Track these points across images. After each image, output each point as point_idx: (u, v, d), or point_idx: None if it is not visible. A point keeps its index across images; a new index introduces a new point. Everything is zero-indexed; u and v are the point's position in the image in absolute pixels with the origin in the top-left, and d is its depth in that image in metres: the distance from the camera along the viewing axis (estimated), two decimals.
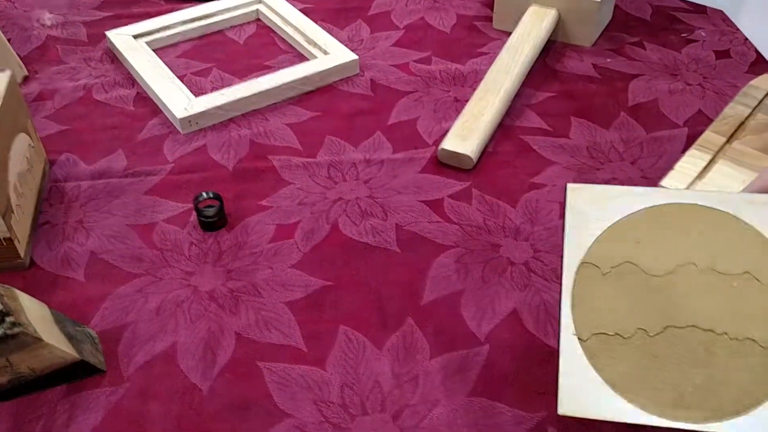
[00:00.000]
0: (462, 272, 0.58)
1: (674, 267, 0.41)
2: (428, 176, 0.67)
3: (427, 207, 0.64)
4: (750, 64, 0.82)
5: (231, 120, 0.74)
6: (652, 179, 0.65)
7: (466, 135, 0.69)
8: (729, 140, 0.64)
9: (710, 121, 0.68)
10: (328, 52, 0.81)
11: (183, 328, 0.53)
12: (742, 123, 0.66)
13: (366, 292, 0.56)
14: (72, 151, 0.70)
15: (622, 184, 0.65)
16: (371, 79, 0.80)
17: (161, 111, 0.75)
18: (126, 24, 0.87)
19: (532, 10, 0.83)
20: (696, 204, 0.43)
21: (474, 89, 0.75)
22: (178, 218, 0.63)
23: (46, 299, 0.54)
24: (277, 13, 0.89)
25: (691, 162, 0.62)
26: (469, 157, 0.67)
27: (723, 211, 0.42)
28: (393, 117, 0.75)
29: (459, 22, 0.91)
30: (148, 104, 0.77)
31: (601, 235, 0.43)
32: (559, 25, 0.85)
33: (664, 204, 0.43)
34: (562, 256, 0.42)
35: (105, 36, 0.86)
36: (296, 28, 0.86)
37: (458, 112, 0.73)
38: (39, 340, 0.46)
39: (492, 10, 0.88)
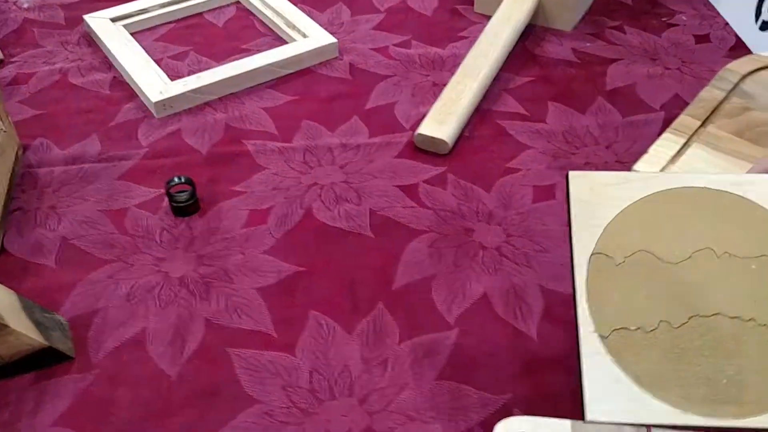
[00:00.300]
0: (434, 257, 0.58)
1: (691, 253, 0.40)
2: (404, 161, 0.67)
3: (402, 192, 0.64)
4: (729, 48, 0.82)
5: (207, 104, 0.74)
6: (626, 163, 0.65)
7: (442, 120, 0.69)
8: (704, 124, 0.64)
9: (687, 105, 0.67)
10: (307, 36, 0.80)
11: (153, 315, 0.53)
12: (717, 107, 0.66)
13: (338, 278, 0.56)
14: (46, 136, 0.69)
15: (597, 168, 0.65)
16: (350, 63, 0.79)
17: (137, 95, 0.75)
18: (104, 7, 0.86)
19: None
20: (703, 187, 0.41)
21: (453, 73, 0.74)
22: (150, 203, 0.62)
23: (16, 286, 0.54)
24: None
25: (665, 146, 0.62)
26: (445, 142, 0.67)
27: (731, 193, 0.41)
28: (371, 101, 0.74)
29: (440, 6, 0.90)
30: (124, 88, 0.76)
31: (609, 224, 0.41)
32: (539, 9, 0.84)
33: (670, 188, 0.42)
34: (570, 249, 0.40)
35: (82, 19, 0.85)
36: (276, 12, 0.85)
37: (436, 96, 0.72)
38: (5, 326, 0.45)
39: None
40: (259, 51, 0.79)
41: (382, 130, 0.70)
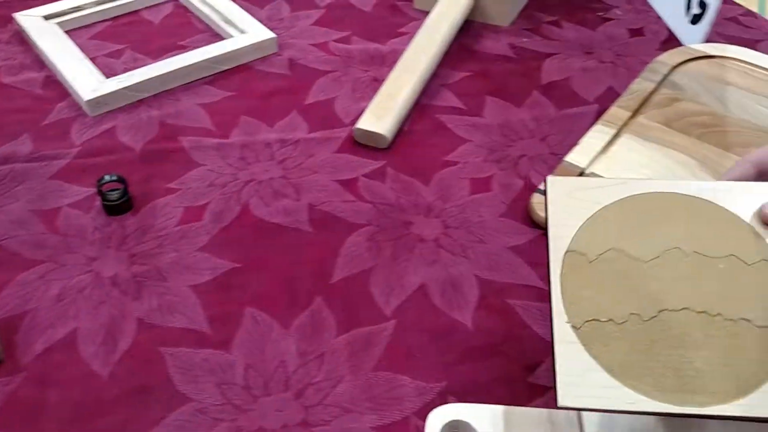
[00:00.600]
0: (373, 250, 0.58)
1: (661, 252, 0.41)
2: (344, 156, 0.67)
3: (341, 186, 0.64)
4: (662, 41, 0.84)
5: (142, 101, 0.72)
6: (560, 155, 0.66)
7: (381, 114, 0.69)
8: (634, 115, 0.66)
9: (620, 97, 0.69)
10: (245, 31, 0.80)
11: (84, 315, 0.52)
12: (647, 98, 0.68)
13: (275, 273, 0.55)
14: None
15: (532, 160, 0.66)
16: (289, 59, 0.79)
17: (70, 94, 0.73)
18: (37, 5, 0.84)
19: None
20: (675, 192, 0.43)
21: (393, 69, 0.75)
22: (82, 203, 0.61)
23: None
24: None
25: (596, 137, 0.64)
26: (383, 136, 0.67)
27: (702, 198, 0.42)
28: (310, 97, 0.74)
29: (380, 2, 0.90)
30: (57, 87, 0.74)
31: (583, 224, 0.42)
32: (476, 6, 0.85)
33: (644, 193, 0.43)
34: (546, 247, 0.41)
35: (13, 18, 0.82)
36: (213, 8, 0.84)
37: (377, 91, 0.73)
38: None
39: None
40: (195, 47, 0.78)
41: (321, 125, 0.70)
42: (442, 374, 0.49)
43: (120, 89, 0.71)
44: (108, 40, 0.82)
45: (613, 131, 0.64)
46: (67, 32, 0.81)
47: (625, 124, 0.65)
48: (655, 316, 0.39)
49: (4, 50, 0.80)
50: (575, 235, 0.42)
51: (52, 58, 0.75)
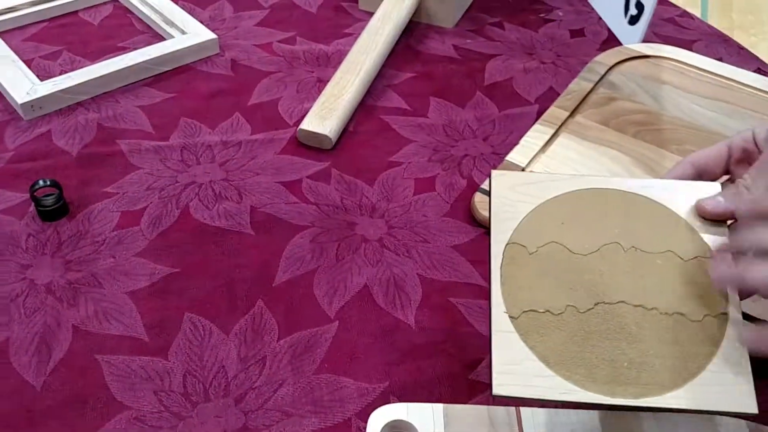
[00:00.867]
0: (317, 251, 0.57)
1: (599, 246, 0.42)
2: (287, 157, 0.66)
3: (285, 188, 0.63)
4: (602, 42, 0.86)
5: (79, 104, 0.71)
6: (501, 155, 0.66)
7: (325, 115, 0.69)
8: (572, 114, 0.67)
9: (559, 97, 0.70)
10: (186, 32, 0.79)
11: (17, 324, 0.50)
12: (585, 98, 0.69)
13: (215, 277, 0.55)
14: None
15: (475, 159, 0.67)
16: (232, 60, 0.78)
17: (4, 97, 0.71)
18: None
19: None
20: (616, 189, 0.44)
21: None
22: (15, 209, 0.59)
23: None
24: None
25: (535, 136, 0.65)
26: (327, 137, 0.67)
27: (642, 195, 0.43)
28: (254, 98, 0.73)
29: (325, 3, 0.90)
30: None
31: (525, 217, 0.43)
32: (421, 7, 0.85)
33: (586, 189, 0.44)
34: (489, 240, 0.42)
35: None
36: (153, 9, 0.83)
37: (321, 92, 0.72)
38: None
39: None
40: (135, 49, 0.76)
41: (265, 126, 0.70)
42: (384, 374, 0.49)
43: (56, 92, 0.69)
44: (44, 41, 0.80)
45: (551, 131, 0.65)
46: (0, 33, 0.79)
47: (564, 123, 0.66)
48: (591, 309, 0.40)
49: None
50: (517, 227, 0.43)
51: None
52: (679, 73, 0.74)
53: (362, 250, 0.58)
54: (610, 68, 0.73)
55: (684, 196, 0.44)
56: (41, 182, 0.58)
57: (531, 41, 0.85)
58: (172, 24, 0.80)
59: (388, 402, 0.47)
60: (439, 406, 0.45)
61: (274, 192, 0.62)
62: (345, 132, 0.70)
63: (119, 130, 0.68)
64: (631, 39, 0.79)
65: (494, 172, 0.44)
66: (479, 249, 0.58)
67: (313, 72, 0.78)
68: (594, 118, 0.67)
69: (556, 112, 0.67)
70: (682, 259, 0.41)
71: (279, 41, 0.82)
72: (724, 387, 0.38)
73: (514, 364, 0.38)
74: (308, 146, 0.68)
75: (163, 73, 0.75)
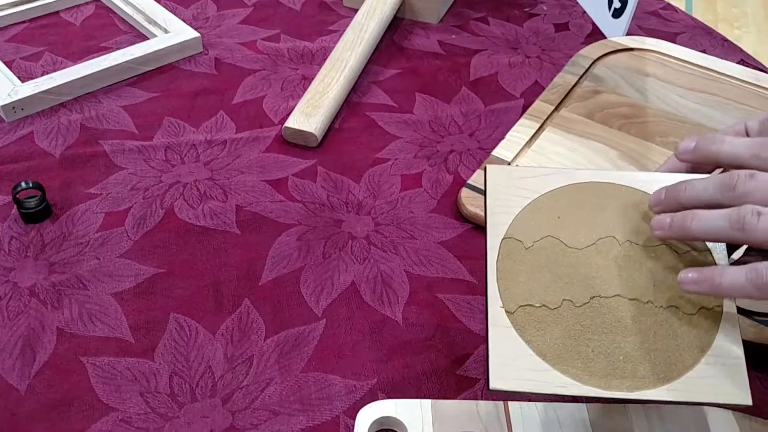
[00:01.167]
0: (303, 249, 0.57)
1: (595, 240, 0.42)
2: (273, 155, 0.66)
3: (271, 186, 0.63)
4: (586, 36, 0.86)
5: (62, 105, 0.70)
6: (487, 150, 0.66)
7: (310, 112, 0.68)
8: (557, 108, 0.67)
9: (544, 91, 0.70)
10: (169, 31, 0.78)
11: (0, 327, 0.50)
12: (570, 91, 0.69)
13: (201, 277, 0.54)
14: None
15: (460, 154, 0.67)
16: (216, 58, 0.78)
17: None
18: None
19: None
20: (611, 183, 0.44)
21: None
22: None
23: None
24: None
25: (520, 131, 0.65)
26: (313, 134, 0.67)
27: (637, 189, 0.43)
28: (238, 96, 0.73)
29: (309, 0, 0.90)
30: None
31: (521, 212, 0.43)
32: (405, 3, 0.85)
33: (581, 182, 0.44)
34: (485, 234, 0.42)
35: None
36: (136, 8, 0.82)
37: (306, 90, 0.72)
38: None
39: None
40: (118, 49, 0.75)
41: (249, 124, 0.69)
42: (372, 371, 0.49)
43: (37, 93, 0.69)
44: (25, 42, 0.79)
45: (537, 125, 0.65)
46: None
47: (549, 117, 0.66)
48: (587, 303, 0.40)
49: None
50: (512, 222, 0.43)
51: None
52: (663, 65, 0.74)
53: (349, 248, 0.58)
54: (595, 61, 0.74)
55: None
56: (23, 184, 0.57)
57: (516, 36, 0.85)
58: (154, 23, 0.80)
59: (376, 399, 0.46)
60: (427, 402, 0.45)
61: (260, 190, 0.62)
62: (330, 129, 0.69)
63: (102, 130, 0.67)
64: (616, 32, 0.80)
65: (489, 167, 0.44)
66: (466, 244, 0.58)
67: (297, 69, 0.77)
68: (579, 112, 0.67)
69: (541, 106, 0.67)
70: (677, 252, 0.41)
71: (263, 39, 0.81)
72: (719, 379, 0.38)
73: (510, 358, 0.38)
74: (294, 144, 0.67)
75: (146, 72, 0.75)
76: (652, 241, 0.42)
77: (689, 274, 0.38)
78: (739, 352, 0.38)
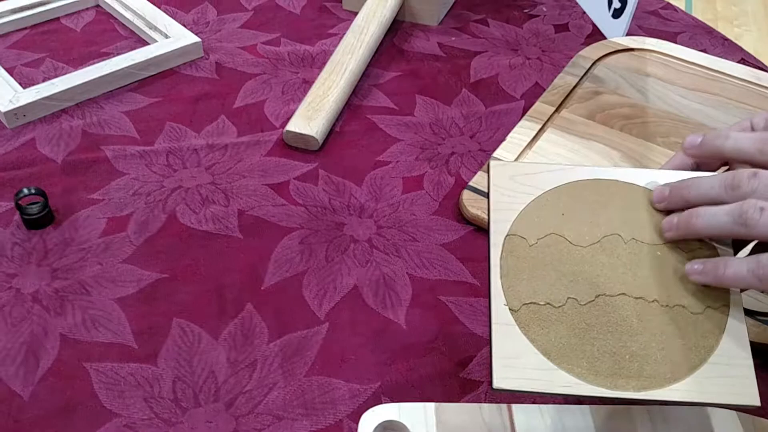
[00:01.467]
0: (305, 253, 0.57)
1: (600, 238, 0.41)
2: (274, 159, 0.66)
3: (272, 190, 0.63)
4: (586, 36, 0.86)
5: (63, 111, 0.70)
6: (488, 152, 0.66)
7: (311, 116, 0.68)
8: (558, 109, 0.67)
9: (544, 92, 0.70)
10: (170, 36, 0.78)
11: (3, 334, 0.50)
12: (570, 92, 0.69)
13: (203, 282, 0.54)
14: None
15: (461, 156, 0.67)
16: (216, 62, 0.78)
17: None
18: None
19: None
20: (617, 180, 0.43)
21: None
22: (1, 218, 0.58)
23: None
24: None
25: (521, 132, 0.65)
26: (314, 138, 0.67)
27: (642, 186, 0.43)
28: (239, 100, 0.73)
29: (309, 3, 0.90)
30: None
31: (524, 208, 0.42)
32: (405, 5, 0.85)
33: (585, 179, 0.43)
34: (488, 232, 0.42)
35: None
36: (136, 13, 0.82)
37: (306, 93, 0.72)
38: None
39: None
40: (119, 54, 0.76)
41: (250, 129, 0.69)
42: (375, 375, 0.49)
43: (39, 99, 0.69)
44: (27, 49, 0.79)
45: (538, 126, 0.65)
46: None
47: (550, 118, 0.66)
48: (592, 301, 0.40)
49: None
50: (516, 219, 0.42)
51: None
52: (663, 65, 0.74)
53: (351, 251, 0.58)
54: (595, 62, 0.74)
55: None
56: (26, 190, 0.57)
57: (515, 37, 0.85)
58: (155, 28, 0.80)
59: (379, 403, 0.46)
60: (431, 406, 0.45)
61: (262, 194, 0.62)
62: (331, 132, 0.69)
63: (104, 136, 0.67)
64: (615, 32, 0.80)
65: (493, 163, 0.44)
66: (468, 246, 0.58)
67: (298, 73, 0.77)
68: (580, 113, 0.67)
69: (541, 107, 0.67)
70: (682, 250, 0.41)
71: (263, 43, 0.82)
72: (726, 380, 0.37)
73: (514, 357, 0.38)
74: (295, 148, 0.67)
75: (147, 77, 0.75)
76: (658, 239, 0.41)
77: (695, 266, 0.39)
78: (746, 352, 0.38)
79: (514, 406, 0.45)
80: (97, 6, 0.87)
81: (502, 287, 0.40)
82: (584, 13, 0.90)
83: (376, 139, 0.69)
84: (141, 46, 0.78)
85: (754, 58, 0.83)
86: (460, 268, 0.56)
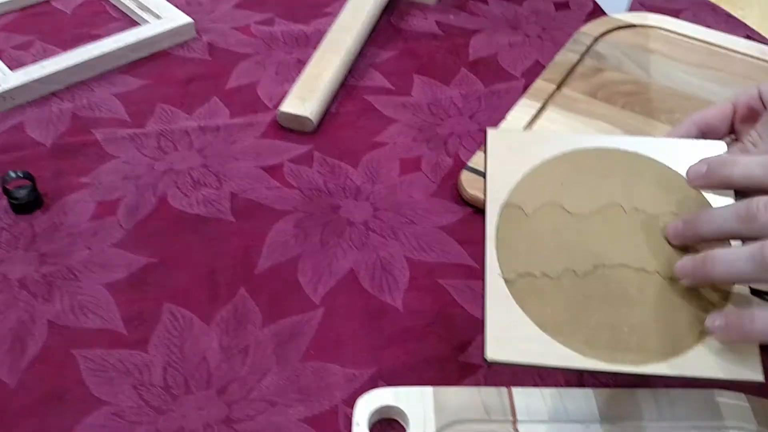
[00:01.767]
0: (300, 237, 0.56)
1: (599, 208, 0.40)
2: (268, 141, 0.65)
3: (266, 173, 0.61)
4: (587, 13, 0.84)
5: (53, 94, 0.68)
6: None
7: (305, 96, 0.67)
8: (559, 87, 0.66)
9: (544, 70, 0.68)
10: (161, 17, 0.76)
11: None
12: (571, 70, 0.67)
13: (195, 266, 0.53)
14: None
15: (460, 137, 0.65)
16: (209, 43, 0.76)
17: None
18: None
19: None
20: (618, 149, 0.42)
21: None
22: None
23: None
24: None
25: (521, 111, 0.63)
26: (309, 119, 0.65)
27: (644, 155, 0.41)
28: (231, 81, 0.71)
29: None
30: None
31: (522, 178, 0.41)
32: None
33: (586, 148, 0.42)
34: (484, 201, 0.40)
35: None
36: None
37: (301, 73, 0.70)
38: None
39: None
40: (109, 36, 0.74)
41: (243, 110, 0.68)
42: (372, 360, 0.47)
43: (28, 82, 0.67)
44: (16, 31, 0.78)
45: (538, 105, 0.63)
46: None
47: (551, 96, 0.64)
48: (590, 272, 0.38)
49: None
50: (513, 188, 0.41)
51: None
52: (666, 41, 0.72)
53: (347, 234, 0.56)
54: (597, 39, 0.72)
55: (688, 156, 0.41)
56: (12, 174, 0.56)
57: (515, 15, 0.83)
58: (146, 9, 0.78)
59: (375, 387, 0.45)
60: (428, 390, 0.43)
61: (255, 177, 0.61)
62: (327, 113, 0.68)
63: (94, 119, 0.66)
64: (617, 8, 0.78)
65: (490, 131, 0.42)
66: (467, 229, 0.57)
67: (292, 53, 0.76)
68: (581, 90, 0.65)
69: (542, 85, 0.66)
70: None
71: (257, 23, 0.80)
72: (729, 354, 0.36)
73: (508, 329, 0.37)
74: (289, 129, 0.66)
75: (138, 59, 0.73)
76: (660, 209, 0.40)
77: (716, 322, 0.36)
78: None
79: (515, 389, 0.43)
80: None
81: (498, 257, 0.39)
82: None
83: (373, 119, 0.68)
84: (133, 28, 0.76)
85: (759, 34, 0.81)
86: (458, 251, 0.55)
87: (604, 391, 0.43)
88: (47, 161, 0.61)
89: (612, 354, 0.36)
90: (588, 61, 0.69)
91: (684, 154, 0.42)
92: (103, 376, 0.46)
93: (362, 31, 0.74)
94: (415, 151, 0.64)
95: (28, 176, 0.56)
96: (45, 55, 0.74)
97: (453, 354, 0.48)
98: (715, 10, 0.86)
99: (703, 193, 0.40)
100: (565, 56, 0.69)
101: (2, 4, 0.81)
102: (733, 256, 0.35)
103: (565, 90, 0.65)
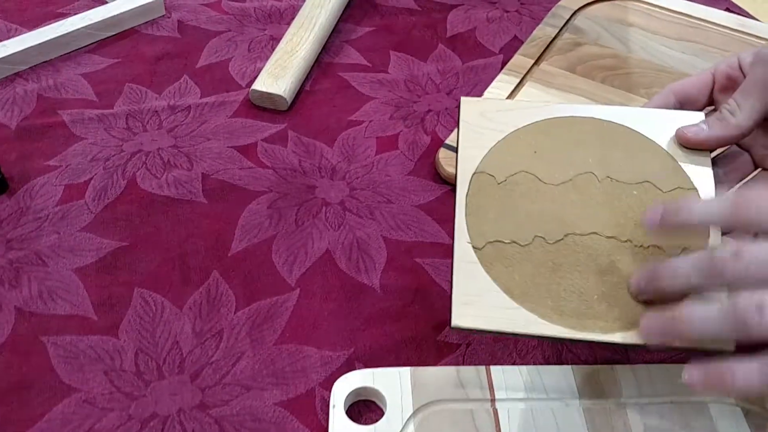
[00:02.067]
0: (275, 218, 0.55)
1: (572, 176, 0.39)
2: (240, 120, 0.63)
3: (239, 153, 0.60)
4: None
5: (17, 74, 0.66)
6: None
7: (278, 74, 0.65)
8: (537, 62, 0.65)
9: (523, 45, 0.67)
10: None
11: None
12: (550, 44, 0.66)
13: (166, 250, 0.52)
14: None
15: (438, 114, 0.64)
16: (179, 21, 0.74)
17: None
18: None
19: None
20: (593, 117, 0.41)
21: None
22: None
23: None
24: None
25: (499, 87, 0.62)
26: (282, 97, 0.63)
27: (620, 125, 0.41)
28: (202, 59, 0.69)
29: None
30: None
31: (495, 145, 0.41)
32: None
33: (561, 117, 0.41)
34: (455, 169, 0.40)
35: None
36: None
37: (274, 50, 0.69)
38: None
39: None
40: (76, 14, 0.71)
41: (215, 89, 0.66)
42: (349, 341, 0.47)
43: None
44: None
45: (516, 80, 0.62)
46: None
47: (529, 71, 0.63)
48: (560, 240, 0.38)
49: None
50: (485, 156, 0.40)
51: None
52: (645, 14, 0.71)
53: (323, 214, 0.55)
54: (575, 12, 0.71)
55: (665, 126, 0.41)
56: None
57: None
58: None
59: (352, 369, 0.44)
60: (406, 370, 0.43)
61: (227, 157, 0.59)
62: (301, 91, 0.66)
63: (60, 99, 0.64)
64: None
65: (464, 99, 0.42)
66: (445, 207, 0.56)
67: (265, 30, 0.74)
68: (560, 65, 0.64)
69: (520, 60, 0.64)
70: (660, 190, 0.39)
71: None
72: None
73: (475, 295, 0.36)
74: (262, 108, 0.64)
75: (106, 38, 0.71)
76: (634, 178, 0.39)
77: (695, 376, 0.33)
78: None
79: (493, 368, 0.43)
80: None
81: (467, 225, 0.38)
82: None
83: (348, 97, 0.66)
84: (99, 5, 0.73)
85: (738, 7, 0.80)
86: (436, 230, 0.54)
87: (583, 368, 0.43)
88: (12, 144, 0.59)
89: (580, 321, 0.36)
90: (566, 36, 0.68)
91: (660, 123, 0.41)
92: (73, 363, 0.45)
93: (337, 7, 0.73)
94: (391, 129, 0.63)
95: None
96: (8, 34, 0.71)
97: (431, 334, 0.47)
98: None
99: (680, 163, 0.40)
100: (544, 31, 0.68)
101: None
102: (705, 316, 0.33)
103: (544, 65, 0.64)
